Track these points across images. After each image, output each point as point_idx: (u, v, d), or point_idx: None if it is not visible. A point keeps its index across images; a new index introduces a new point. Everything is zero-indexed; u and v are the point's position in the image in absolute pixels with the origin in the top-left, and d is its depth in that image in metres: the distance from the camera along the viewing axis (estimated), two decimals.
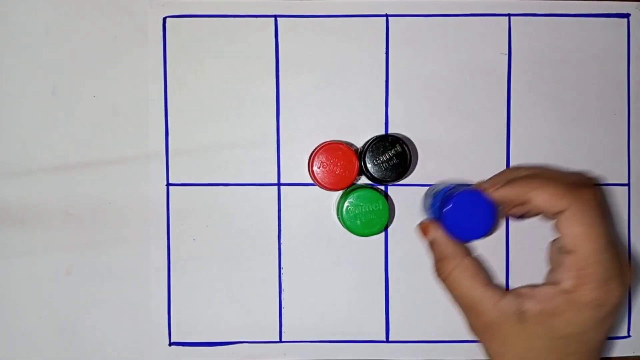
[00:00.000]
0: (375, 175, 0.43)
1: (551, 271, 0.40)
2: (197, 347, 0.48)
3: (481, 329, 0.39)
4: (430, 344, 0.48)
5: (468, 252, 0.40)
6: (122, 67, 0.47)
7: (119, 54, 0.47)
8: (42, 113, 0.47)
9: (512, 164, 0.48)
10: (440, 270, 0.41)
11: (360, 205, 0.43)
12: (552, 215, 0.38)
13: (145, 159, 0.48)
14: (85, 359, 0.48)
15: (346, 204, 0.43)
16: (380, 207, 0.43)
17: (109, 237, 0.48)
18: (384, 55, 0.48)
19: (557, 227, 0.38)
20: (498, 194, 0.39)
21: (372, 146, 0.43)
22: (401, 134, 0.48)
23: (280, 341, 0.48)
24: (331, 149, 0.44)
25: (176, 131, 0.48)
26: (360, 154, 0.44)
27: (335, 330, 0.48)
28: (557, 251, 0.39)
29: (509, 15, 0.48)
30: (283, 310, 0.48)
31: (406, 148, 0.43)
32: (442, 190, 0.43)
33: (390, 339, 0.48)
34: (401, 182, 0.48)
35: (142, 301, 0.48)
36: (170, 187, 0.48)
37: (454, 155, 0.48)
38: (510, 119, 0.48)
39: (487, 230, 0.40)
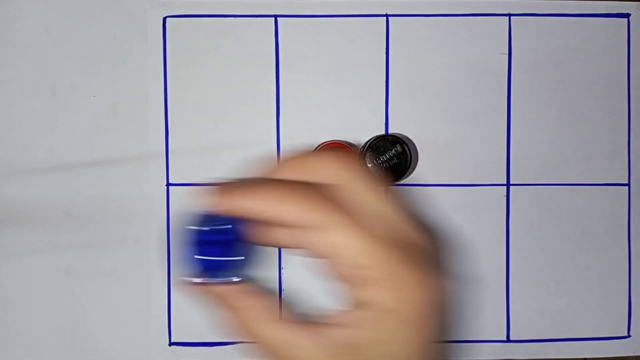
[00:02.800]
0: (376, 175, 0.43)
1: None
2: (197, 347, 0.48)
3: None
4: None
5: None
6: (122, 67, 0.47)
7: (119, 53, 0.47)
8: (42, 113, 0.47)
9: (512, 164, 0.48)
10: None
11: None
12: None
13: (145, 159, 0.48)
14: (85, 359, 0.48)
15: None
16: None
17: (108, 237, 0.48)
18: (384, 55, 0.48)
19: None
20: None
21: (372, 146, 0.43)
22: (401, 134, 0.48)
23: None
24: (331, 149, 0.44)
25: (176, 131, 0.48)
26: (361, 154, 0.44)
27: None
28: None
29: (509, 15, 0.48)
30: (283, 310, 0.48)
31: (406, 148, 0.43)
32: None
33: None
34: (401, 182, 0.48)
35: (142, 301, 0.48)
36: (170, 187, 0.48)
37: (454, 155, 0.48)
38: (510, 119, 0.48)
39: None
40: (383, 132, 0.48)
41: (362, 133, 0.47)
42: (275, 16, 0.48)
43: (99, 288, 0.48)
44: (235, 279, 0.29)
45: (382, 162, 0.43)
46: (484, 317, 0.48)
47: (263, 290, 0.30)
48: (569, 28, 0.48)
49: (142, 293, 0.48)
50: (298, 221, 0.25)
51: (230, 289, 0.30)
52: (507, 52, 0.48)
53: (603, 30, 0.48)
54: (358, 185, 0.27)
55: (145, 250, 0.48)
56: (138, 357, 0.48)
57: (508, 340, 0.48)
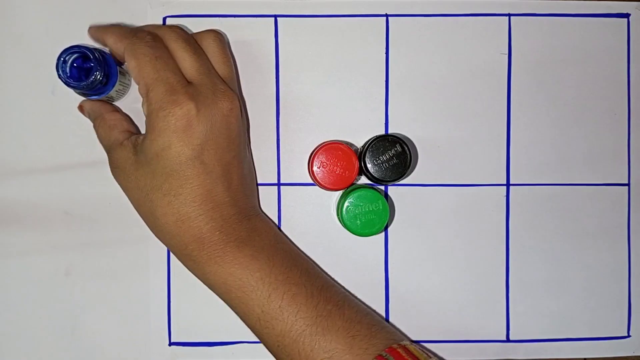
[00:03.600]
0: (375, 175, 0.43)
1: None
2: (197, 347, 0.48)
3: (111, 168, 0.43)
4: (430, 343, 0.48)
5: (111, 109, 0.45)
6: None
7: None
8: (42, 113, 0.47)
9: (512, 163, 0.48)
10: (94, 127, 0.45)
11: (360, 205, 0.43)
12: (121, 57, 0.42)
13: None
14: (85, 359, 0.48)
15: (346, 203, 0.43)
16: (380, 207, 0.43)
17: (108, 237, 0.48)
18: (384, 55, 0.48)
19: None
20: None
21: (372, 146, 0.43)
22: (401, 134, 0.48)
23: None
24: (331, 149, 0.44)
25: None
26: (361, 154, 0.44)
27: None
28: None
29: (509, 15, 0.48)
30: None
31: (406, 148, 0.43)
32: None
33: None
34: (401, 182, 0.48)
35: (142, 301, 0.48)
36: None
37: (454, 155, 0.48)
38: (510, 119, 0.48)
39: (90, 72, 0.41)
40: (383, 132, 0.48)
41: (362, 133, 0.47)
42: (275, 16, 0.47)
43: (99, 288, 0.48)
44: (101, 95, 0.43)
45: (382, 162, 0.43)
46: (484, 317, 0.48)
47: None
48: (569, 28, 0.48)
49: (142, 293, 0.48)
50: (116, 49, 0.42)
51: (98, 104, 0.45)
52: (507, 52, 0.48)
53: (603, 30, 0.48)
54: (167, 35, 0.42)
55: (145, 250, 0.48)
56: (138, 357, 0.48)
57: (508, 340, 0.48)
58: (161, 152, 0.39)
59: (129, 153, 0.41)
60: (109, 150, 0.43)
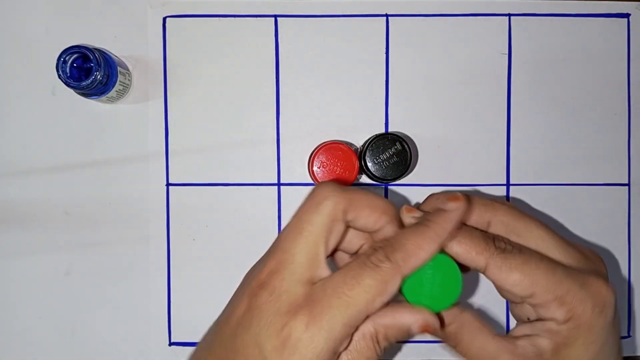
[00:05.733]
0: (376, 174, 0.43)
1: (525, 309, 0.36)
2: None
3: None
4: (430, 344, 0.48)
5: (462, 308, 0.34)
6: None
7: (119, 53, 0.47)
8: (42, 113, 0.47)
9: (512, 163, 0.48)
10: (448, 341, 0.34)
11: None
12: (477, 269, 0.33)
13: (145, 159, 0.48)
14: (85, 359, 0.48)
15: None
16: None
17: (109, 237, 0.48)
18: (384, 55, 0.48)
19: (492, 282, 0.33)
20: (409, 223, 0.33)
21: (372, 145, 0.43)
22: (401, 133, 0.48)
23: None
24: (331, 149, 0.44)
25: (176, 131, 0.48)
26: (361, 153, 0.44)
27: None
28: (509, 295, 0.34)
29: (509, 15, 0.48)
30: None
31: (406, 146, 0.43)
32: None
33: None
34: (401, 181, 0.48)
35: (142, 301, 0.48)
36: (170, 187, 0.48)
37: (454, 154, 0.48)
38: (510, 119, 0.48)
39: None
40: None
41: (362, 133, 0.47)
42: (275, 16, 0.48)
43: (99, 288, 0.48)
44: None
45: (383, 161, 0.43)
46: (484, 316, 0.48)
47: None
48: (569, 28, 0.48)
49: (142, 293, 0.48)
50: (468, 264, 0.32)
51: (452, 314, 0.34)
52: (507, 52, 0.48)
53: (603, 30, 0.48)
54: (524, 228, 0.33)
55: (145, 250, 0.48)
56: (138, 357, 0.48)
57: None
58: None
59: None
60: None
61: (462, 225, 0.33)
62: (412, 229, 0.31)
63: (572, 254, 0.34)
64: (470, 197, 0.33)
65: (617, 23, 0.48)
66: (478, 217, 0.33)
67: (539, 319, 0.34)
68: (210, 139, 0.48)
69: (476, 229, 0.33)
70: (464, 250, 0.32)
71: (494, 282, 0.33)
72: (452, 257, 0.31)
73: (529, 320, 0.35)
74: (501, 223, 0.34)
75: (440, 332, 0.33)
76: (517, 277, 0.32)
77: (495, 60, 0.48)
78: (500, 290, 0.33)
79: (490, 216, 0.34)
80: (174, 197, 0.48)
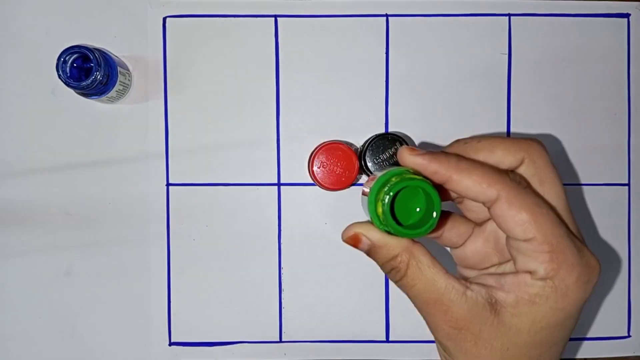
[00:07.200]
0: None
1: (510, 259, 0.34)
2: (197, 347, 0.48)
3: (449, 327, 0.32)
4: (430, 344, 0.48)
5: (414, 241, 0.33)
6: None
7: (119, 53, 0.47)
8: (42, 113, 0.47)
9: None
10: (393, 273, 0.33)
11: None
12: (484, 203, 0.32)
13: (145, 159, 0.48)
14: (85, 359, 0.48)
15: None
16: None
17: (108, 237, 0.48)
18: (384, 55, 0.48)
19: (494, 216, 0.31)
20: (413, 161, 0.32)
21: (372, 145, 0.43)
22: (401, 133, 0.48)
23: (280, 341, 0.48)
24: (331, 149, 0.44)
25: (176, 131, 0.48)
26: (361, 153, 0.44)
27: (335, 331, 0.48)
28: (507, 239, 0.33)
29: (509, 15, 0.48)
30: (283, 310, 0.48)
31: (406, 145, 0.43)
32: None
33: (390, 339, 0.48)
34: None
35: (142, 301, 0.48)
36: (170, 187, 0.48)
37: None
38: (510, 119, 0.48)
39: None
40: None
41: (362, 133, 0.47)
42: (275, 16, 0.48)
43: (99, 288, 0.48)
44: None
45: (383, 161, 0.43)
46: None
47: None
48: (569, 28, 0.48)
49: (142, 293, 0.48)
50: (477, 196, 0.31)
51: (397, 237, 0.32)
52: (507, 52, 0.48)
53: (603, 30, 0.48)
54: (542, 173, 0.32)
55: (145, 250, 0.48)
56: (138, 357, 0.48)
57: None
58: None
59: None
60: None
61: (472, 161, 0.31)
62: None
63: (574, 223, 0.32)
64: (503, 138, 0.33)
65: (617, 23, 0.48)
66: (512, 157, 0.32)
67: (503, 273, 0.33)
68: (210, 139, 0.48)
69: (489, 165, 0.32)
70: (475, 182, 0.30)
71: (496, 218, 0.31)
72: (454, 190, 0.31)
73: (486, 271, 0.35)
74: (533, 165, 0.32)
75: (386, 263, 0.32)
76: (525, 216, 0.30)
77: (495, 60, 0.48)
78: (500, 226, 0.31)
79: (524, 155, 0.32)
80: (174, 197, 0.48)
